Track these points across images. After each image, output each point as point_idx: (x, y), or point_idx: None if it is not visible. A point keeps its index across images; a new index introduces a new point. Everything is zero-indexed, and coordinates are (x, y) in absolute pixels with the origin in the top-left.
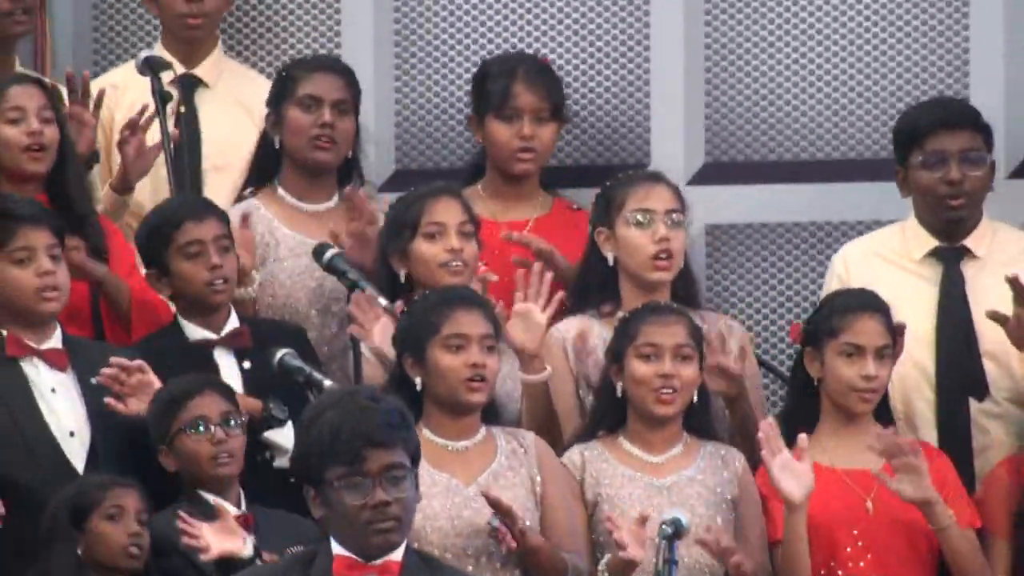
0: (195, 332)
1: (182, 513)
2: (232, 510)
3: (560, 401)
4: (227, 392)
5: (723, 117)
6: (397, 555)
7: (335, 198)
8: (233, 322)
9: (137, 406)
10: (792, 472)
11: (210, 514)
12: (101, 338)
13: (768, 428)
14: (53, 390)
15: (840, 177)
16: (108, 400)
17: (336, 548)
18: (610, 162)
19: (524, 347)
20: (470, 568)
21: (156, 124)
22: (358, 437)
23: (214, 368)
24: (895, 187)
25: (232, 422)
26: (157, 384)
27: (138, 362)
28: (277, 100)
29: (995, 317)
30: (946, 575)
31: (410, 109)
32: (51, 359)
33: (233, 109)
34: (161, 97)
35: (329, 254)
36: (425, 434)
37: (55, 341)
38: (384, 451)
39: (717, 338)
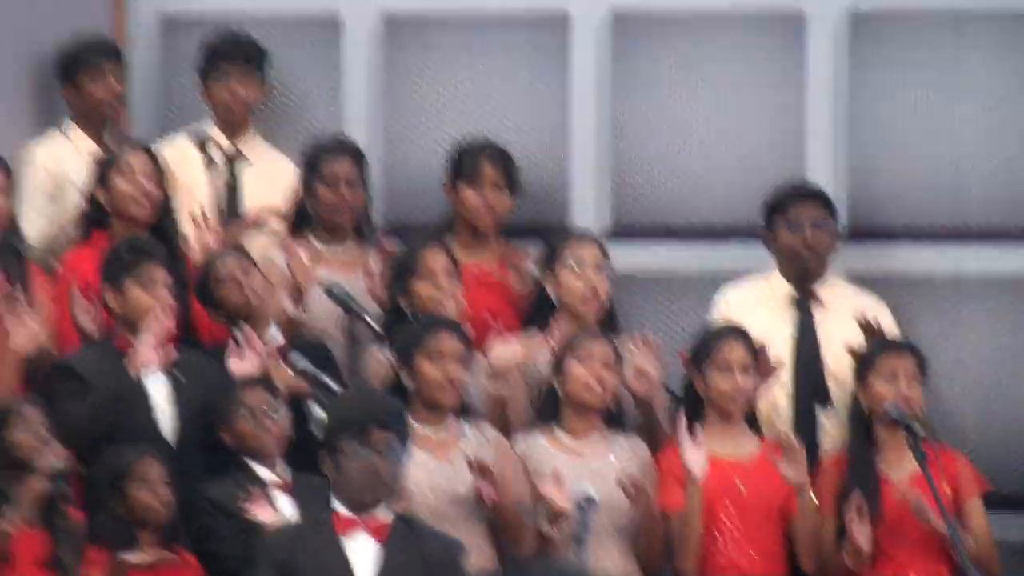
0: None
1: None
2: (275, 478)
3: (516, 405)
4: (271, 387)
5: (627, 185)
6: (386, 517)
7: (352, 244)
8: (275, 334)
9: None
10: (695, 454)
11: (256, 480)
12: (186, 341)
13: (682, 419)
14: (150, 379)
15: (714, 237)
16: None
17: (337, 506)
18: (535, 220)
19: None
20: (447, 527)
21: (206, 187)
22: (367, 417)
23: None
24: (759, 246)
25: (277, 412)
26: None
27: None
28: (306, 176)
29: (850, 351)
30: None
31: (398, 173)
32: None
33: (264, 178)
34: (211, 162)
35: (329, 286)
36: (410, 421)
37: None
38: (384, 431)
39: (641, 342)
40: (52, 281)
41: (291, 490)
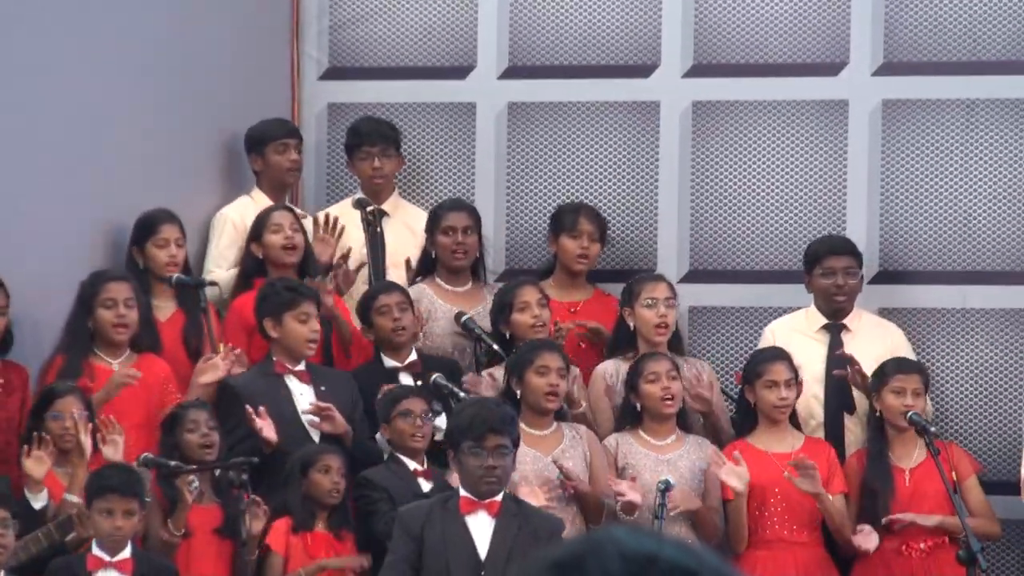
0: (388, 362)
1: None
2: (418, 467)
3: (600, 412)
4: (427, 396)
5: (703, 238)
6: (498, 498)
7: (470, 283)
8: (412, 356)
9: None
10: (734, 472)
11: (406, 469)
12: (329, 363)
13: (716, 454)
14: (301, 394)
15: (773, 280)
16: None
17: (462, 492)
18: (632, 267)
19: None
20: (547, 503)
21: (362, 237)
22: (484, 424)
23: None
24: (803, 287)
25: (429, 416)
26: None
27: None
28: (431, 228)
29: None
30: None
31: (514, 232)
32: (300, 377)
33: (404, 230)
34: (366, 222)
35: (463, 319)
36: (521, 425)
37: (303, 366)
38: (497, 435)
39: (695, 377)
40: (220, 319)
41: (429, 476)
